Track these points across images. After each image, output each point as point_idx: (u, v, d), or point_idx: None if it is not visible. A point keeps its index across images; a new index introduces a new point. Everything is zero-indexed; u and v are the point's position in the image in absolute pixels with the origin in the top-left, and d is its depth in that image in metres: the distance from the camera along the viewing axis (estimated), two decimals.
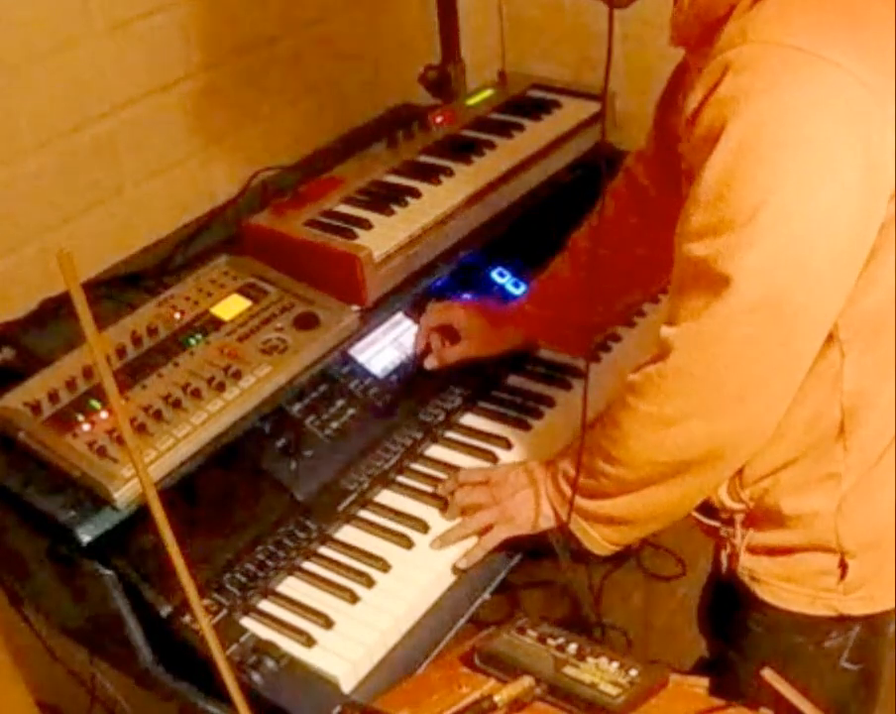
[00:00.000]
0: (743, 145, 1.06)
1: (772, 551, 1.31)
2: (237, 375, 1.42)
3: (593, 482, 1.30)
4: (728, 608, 1.39)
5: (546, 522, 1.37)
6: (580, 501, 1.31)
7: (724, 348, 1.14)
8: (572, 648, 1.08)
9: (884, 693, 1.45)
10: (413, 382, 1.61)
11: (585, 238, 1.59)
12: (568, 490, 1.33)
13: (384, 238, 1.59)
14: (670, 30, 1.20)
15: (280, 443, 1.46)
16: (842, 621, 1.31)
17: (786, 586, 1.31)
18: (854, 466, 1.24)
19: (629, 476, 1.26)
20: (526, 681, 1.03)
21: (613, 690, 1.02)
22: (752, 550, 1.32)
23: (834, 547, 1.27)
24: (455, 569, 1.38)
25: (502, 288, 1.79)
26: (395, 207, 1.66)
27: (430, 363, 1.64)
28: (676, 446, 1.21)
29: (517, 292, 1.78)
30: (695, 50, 1.18)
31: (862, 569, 1.27)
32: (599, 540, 1.33)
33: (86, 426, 1.35)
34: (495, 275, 1.80)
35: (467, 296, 1.75)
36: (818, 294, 1.10)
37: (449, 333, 1.66)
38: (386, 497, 1.48)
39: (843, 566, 1.27)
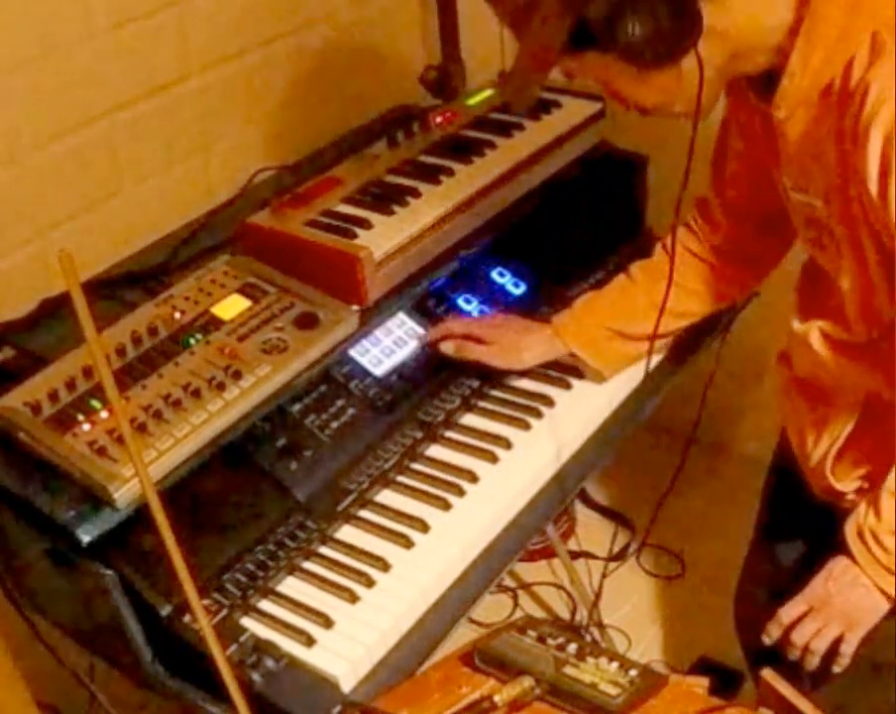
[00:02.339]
0: None
1: None
2: (237, 375, 1.42)
3: None
4: None
5: (885, 602, 1.33)
6: None
7: None
8: (572, 648, 1.08)
9: None
10: (413, 382, 1.61)
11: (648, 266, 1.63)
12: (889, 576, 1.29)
13: (384, 238, 1.59)
14: (780, 103, 1.21)
15: (280, 443, 1.46)
16: None
17: None
18: None
19: None
20: (526, 681, 1.03)
21: (612, 690, 1.02)
22: None
23: None
24: (455, 568, 1.38)
25: (502, 287, 1.79)
26: (395, 207, 1.66)
27: (447, 347, 1.63)
28: None
29: (517, 291, 1.78)
30: (818, 114, 1.18)
31: None
32: None
33: (86, 426, 1.35)
34: (495, 275, 1.80)
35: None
36: None
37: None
38: (386, 497, 1.48)
39: None
